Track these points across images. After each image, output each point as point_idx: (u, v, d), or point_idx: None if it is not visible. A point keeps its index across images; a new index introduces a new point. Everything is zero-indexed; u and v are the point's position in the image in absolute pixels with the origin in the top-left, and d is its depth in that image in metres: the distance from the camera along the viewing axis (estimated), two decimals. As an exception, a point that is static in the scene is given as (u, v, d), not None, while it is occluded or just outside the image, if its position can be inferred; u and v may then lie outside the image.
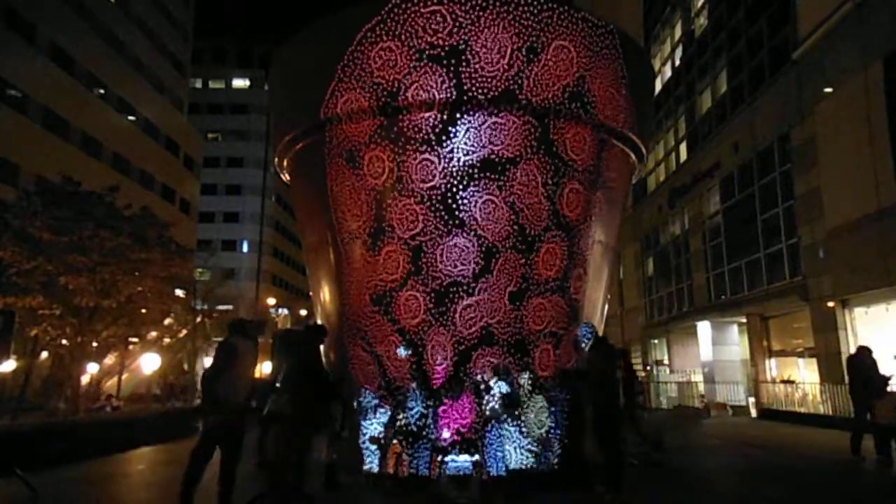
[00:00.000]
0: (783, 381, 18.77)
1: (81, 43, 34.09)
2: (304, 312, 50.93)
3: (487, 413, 7.34)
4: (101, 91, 36.65)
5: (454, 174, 7.95)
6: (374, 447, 7.92)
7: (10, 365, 16.09)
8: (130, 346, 27.29)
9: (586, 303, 8.76)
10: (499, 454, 7.42)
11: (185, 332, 31.22)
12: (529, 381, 7.79)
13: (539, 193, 8.12)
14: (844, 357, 15.34)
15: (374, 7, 8.08)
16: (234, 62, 68.20)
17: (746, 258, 20.06)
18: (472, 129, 7.96)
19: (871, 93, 14.49)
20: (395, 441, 7.75)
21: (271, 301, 53.75)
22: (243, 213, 62.84)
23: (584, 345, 7.52)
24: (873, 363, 10.13)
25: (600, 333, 9.39)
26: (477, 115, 7.95)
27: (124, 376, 30.48)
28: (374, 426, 7.97)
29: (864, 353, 10.32)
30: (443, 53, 7.81)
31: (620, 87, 8.72)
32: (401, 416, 7.72)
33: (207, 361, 34.91)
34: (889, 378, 10.02)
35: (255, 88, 64.92)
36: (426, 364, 7.85)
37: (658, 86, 28.04)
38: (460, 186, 7.94)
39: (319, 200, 8.91)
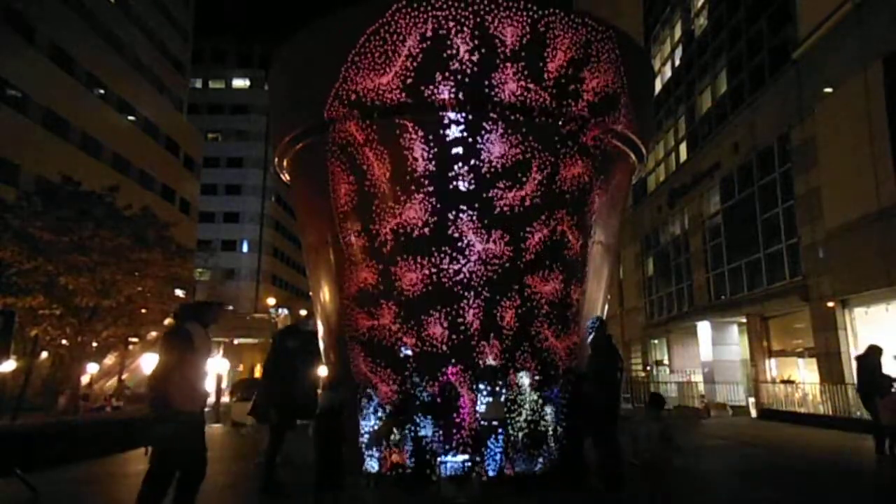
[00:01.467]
0: (783, 381, 18.77)
1: (81, 43, 34.13)
2: (304, 312, 50.91)
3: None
4: (101, 91, 36.70)
5: (455, 175, 7.94)
6: (374, 447, 7.91)
7: (10, 365, 16.09)
8: (130, 346, 27.32)
9: (586, 303, 8.76)
10: (499, 454, 7.42)
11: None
12: (527, 382, 7.78)
13: (540, 194, 8.12)
14: (844, 357, 15.39)
15: (374, 7, 8.08)
16: (234, 62, 68.28)
17: (746, 258, 20.07)
18: (472, 131, 7.95)
19: (871, 93, 14.49)
20: (395, 440, 7.74)
21: (271, 301, 53.76)
22: (243, 213, 62.89)
23: (588, 338, 7.47)
24: (878, 363, 10.04)
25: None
26: (477, 116, 7.95)
27: (124, 376, 30.50)
28: (373, 426, 7.96)
29: (870, 352, 10.23)
30: (443, 56, 7.81)
31: (620, 87, 8.72)
32: (401, 416, 7.72)
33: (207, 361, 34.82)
34: (894, 379, 9.94)
35: (255, 88, 64.99)
36: (426, 364, 7.84)
37: (658, 86, 28.05)
38: (460, 188, 7.94)
39: (319, 200, 8.91)
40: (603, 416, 6.78)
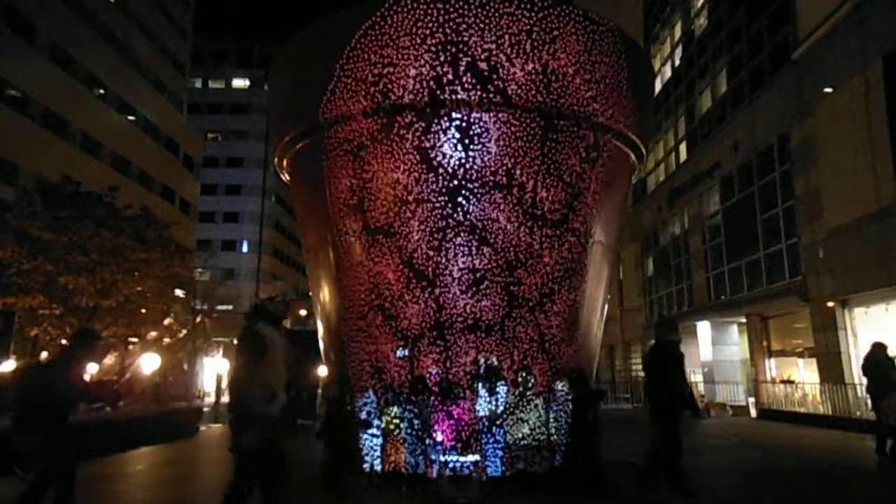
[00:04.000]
0: (783, 381, 18.78)
1: (81, 43, 34.10)
2: (303, 312, 50.96)
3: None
4: (101, 91, 36.67)
5: (453, 175, 7.94)
6: (373, 447, 7.92)
7: (10, 365, 16.09)
8: (130, 346, 27.30)
9: (586, 303, 8.76)
10: (499, 454, 7.43)
11: (184, 332, 31.25)
12: (527, 381, 7.78)
13: (539, 194, 8.12)
14: (844, 357, 15.39)
15: (374, 6, 8.09)
16: (234, 62, 68.20)
17: (746, 258, 20.07)
18: (471, 130, 7.95)
19: (871, 92, 14.50)
20: (395, 440, 7.75)
21: (271, 301, 53.68)
22: (243, 213, 62.86)
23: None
24: (884, 361, 9.72)
25: (598, 335, 9.42)
26: (476, 115, 7.95)
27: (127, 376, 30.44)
28: (373, 426, 7.96)
29: (876, 350, 9.94)
30: (442, 53, 7.81)
31: (620, 86, 8.72)
32: (401, 416, 7.72)
33: (207, 361, 34.96)
34: None
35: (255, 88, 64.91)
36: (426, 364, 7.84)
37: (658, 86, 28.04)
38: (459, 187, 7.94)
39: (319, 200, 8.91)
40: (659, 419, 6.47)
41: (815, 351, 16.99)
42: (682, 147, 26.62)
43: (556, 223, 8.25)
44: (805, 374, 18.07)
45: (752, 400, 20.09)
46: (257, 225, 62.96)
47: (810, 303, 16.72)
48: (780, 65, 18.64)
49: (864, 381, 10.45)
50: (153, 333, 27.51)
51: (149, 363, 25.38)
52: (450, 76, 7.80)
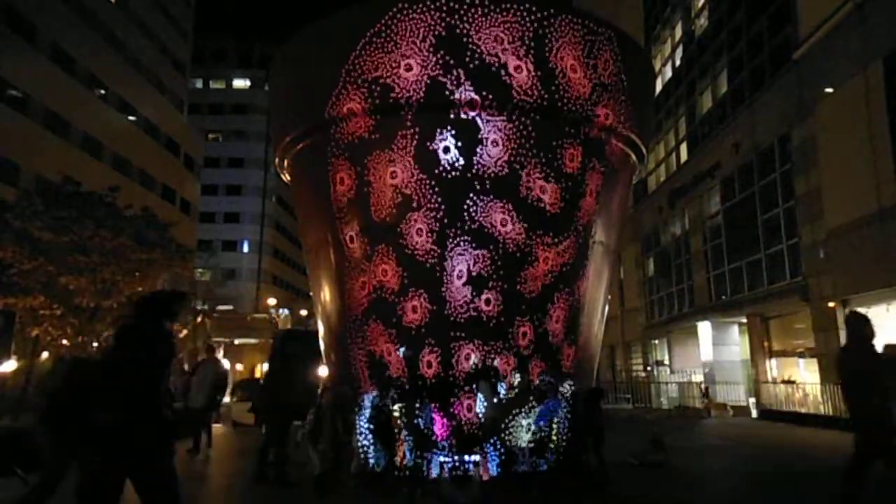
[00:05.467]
0: (784, 382, 18.77)
1: (82, 43, 34.14)
2: (304, 312, 50.99)
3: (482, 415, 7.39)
4: (101, 91, 36.69)
5: (454, 175, 7.94)
6: (373, 447, 7.91)
7: (10, 365, 16.11)
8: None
9: (587, 303, 8.76)
10: (499, 454, 7.42)
11: (185, 332, 31.27)
12: (522, 383, 7.77)
13: (540, 195, 8.12)
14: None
15: (375, 7, 8.09)
16: (235, 62, 68.27)
17: (747, 258, 20.06)
18: (473, 131, 7.95)
19: (871, 93, 14.49)
20: (394, 441, 7.74)
21: (272, 301, 53.75)
22: (244, 213, 62.92)
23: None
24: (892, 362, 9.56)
25: (598, 335, 9.41)
26: (478, 116, 7.95)
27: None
28: (373, 426, 7.96)
29: (888, 351, 9.78)
30: (444, 54, 7.81)
31: (621, 87, 8.71)
32: (402, 416, 7.71)
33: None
34: None
35: (256, 88, 64.99)
36: (427, 364, 7.84)
37: (659, 86, 28.03)
38: (460, 187, 7.93)
39: (320, 200, 8.91)
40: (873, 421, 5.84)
41: (815, 351, 16.99)
42: (683, 147, 26.61)
43: (557, 224, 8.24)
44: (806, 375, 18.06)
45: (752, 400, 20.08)
46: (258, 225, 63.02)
47: (811, 303, 16.72)
48: (780, 65, 18.63)
49: None
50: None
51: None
52: (451, 77, 7.80)
